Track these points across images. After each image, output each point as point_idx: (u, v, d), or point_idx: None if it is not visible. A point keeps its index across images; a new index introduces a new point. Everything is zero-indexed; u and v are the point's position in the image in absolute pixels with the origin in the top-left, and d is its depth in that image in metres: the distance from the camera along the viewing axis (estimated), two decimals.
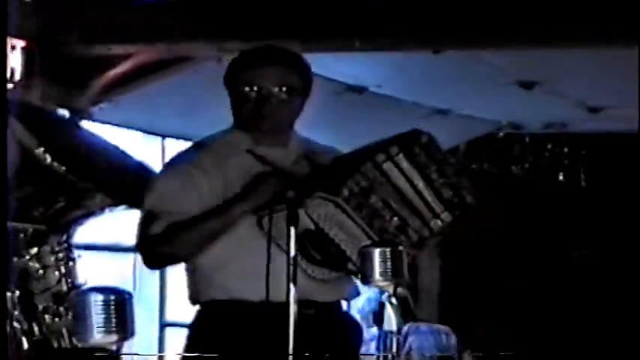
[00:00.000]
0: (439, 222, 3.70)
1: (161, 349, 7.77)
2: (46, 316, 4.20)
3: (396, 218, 3.65)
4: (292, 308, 3.39)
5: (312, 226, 3.58)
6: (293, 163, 3.78)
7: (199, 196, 3.65)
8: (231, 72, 3.87)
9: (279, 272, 3.39)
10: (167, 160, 4.33)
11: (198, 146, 3.92)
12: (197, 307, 3.77)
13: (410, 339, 7.00)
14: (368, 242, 3.52)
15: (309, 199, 3.49)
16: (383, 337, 7.04)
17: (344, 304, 3.92)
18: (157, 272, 7.47)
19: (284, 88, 3.79)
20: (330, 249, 3.62)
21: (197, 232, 3.64)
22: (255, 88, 3.76)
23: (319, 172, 3.79)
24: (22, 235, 4.19)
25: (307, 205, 3.57)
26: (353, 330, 3.76)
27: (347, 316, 3.91)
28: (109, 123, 6.57)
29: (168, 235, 3.62)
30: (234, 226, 3.63)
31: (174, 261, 3.87)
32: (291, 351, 3.25)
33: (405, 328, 6.89)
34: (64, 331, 4.25)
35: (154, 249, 3.74)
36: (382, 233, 3.57)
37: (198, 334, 3.84)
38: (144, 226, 3.72)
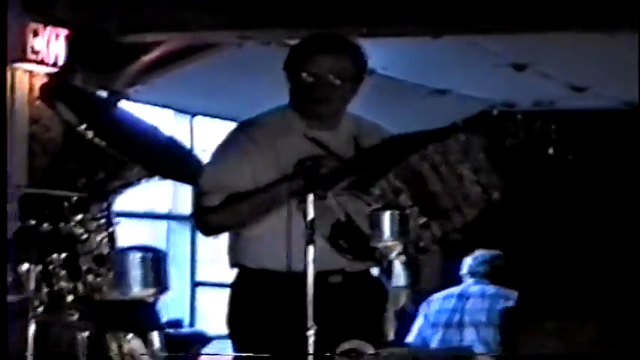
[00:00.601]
0: (463, 218, 3.60)
1: (192, 305, 7.82)
2: (89, 276, 4.02)
3: (422, 216, 3.53)
4: (310, 271, 3.33)
5: (343, 218, 3.50)
6: (344, 145, 3.65)
7: (253, 171, 3.57)
8: (291, 57, 3.73)
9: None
10: (224, 135, 4.16)
11: (254, 123, 3.80)
12: (236, 270, 3.74)
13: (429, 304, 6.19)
14: None
15: (342, 192, 3.41)
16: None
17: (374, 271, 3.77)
18: (187, 237, 7.56)
19: (339, 75, 3.67)
20: (357, 240, 3.54)
21: (250, 207, 3.59)
22: (311, 75, 3.63)
23: (358, 162, 3.64)
24: (66, 203, 4.10)
25: (341, 197, 3.49)
26: (382, 297, 3.57)
27: (377, 282, 3.73)
28: (143, 103, 6.60)
29: (224, 207, 3.57)
30: (283, 203, 3.53)
31: (227, 230, 3.80)
32: (310, 317, 3.19)
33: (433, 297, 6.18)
34: (104, 288, 4.26)
35: (211, 220, 3.71)
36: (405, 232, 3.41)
37: (237, 295, 3.79)
38: (201, 198, 3.69)
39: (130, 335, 3.04)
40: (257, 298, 3.63)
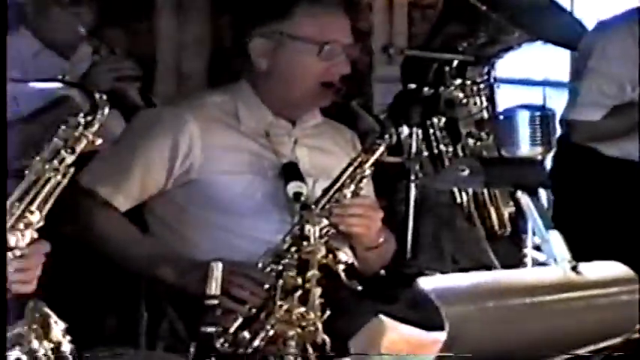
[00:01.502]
0: None
1: None
2: (469, 140, 4.17)
3: None
4: None
5: None
6: None
7: None
8: None
9: None
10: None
11: None
12: None
13: None
14: None
15: None
16: None
17: None
18: (563, 104, 7.54)
19: None
20: None
21: None
22: None
23: None
24: (447, 67, 4.10)
25: None
26: None
27: None
28: None
29: None
30: None
31: None
32: None
33: None
34: (484, 152, 4.35)
35: None
36: None
37: None
38: None
39: None
40: None
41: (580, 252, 2.16)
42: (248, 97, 3.18)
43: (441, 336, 1.85)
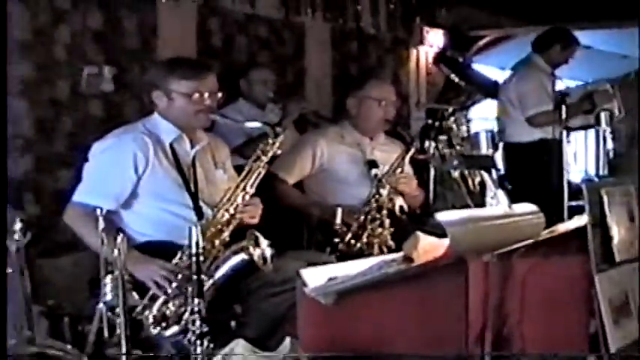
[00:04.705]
0: None
1: None
2: (457, 147, 4.87)
3: None
4: None
5: None
6: None
7: None
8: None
9: None
10: None
11: None
12: None
13: None
14: None
15: None
16: None
17: None
18: None
19: None
20: None
21: None
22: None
23: None
24: (447, 112, 5.08)
25: None
26: None
27: None
28: (481, 64, 7.22)
29: None
30: None
31: None
32: None
33: None
34: (464, 152, 5.05)
35: None
36: None
37: None
38: None
39: None
40: None
41: (513, 199, 2.76)
42: (347, 127, 4.36)
43: (446, 241, 2.33)
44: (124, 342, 2.64)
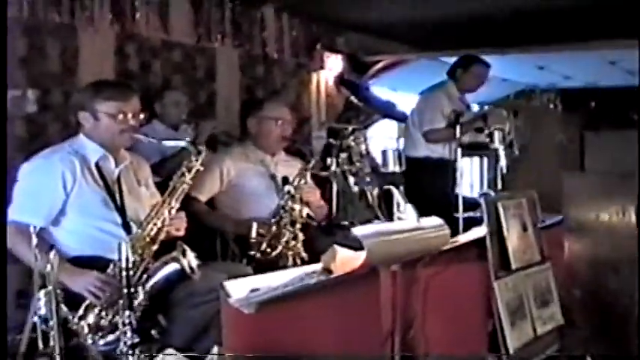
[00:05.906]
0: None
1: None
2: (357, 163, 4.64)
3: None
4: None
5: None
6: None
7: None
8: None
9: None
10: None
11: None
12: None
13: None
14: None
15: None
16: None
17: None
18: None
19: None
20: None
21: None
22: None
23: None
24: (347, 131, 4.74)
25: None
26: None
27: None
28: (379, 86, 7.31)
29: None
30: None
31: None
32: None
33: None
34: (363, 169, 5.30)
35: None
36: None
37: None
38: None
39: None
40: None
41: (420, 212, 2.78)
42: (250, 147, 4.49)
43: (363, 254, 2.43)
44: (57, 353, 2.71)
